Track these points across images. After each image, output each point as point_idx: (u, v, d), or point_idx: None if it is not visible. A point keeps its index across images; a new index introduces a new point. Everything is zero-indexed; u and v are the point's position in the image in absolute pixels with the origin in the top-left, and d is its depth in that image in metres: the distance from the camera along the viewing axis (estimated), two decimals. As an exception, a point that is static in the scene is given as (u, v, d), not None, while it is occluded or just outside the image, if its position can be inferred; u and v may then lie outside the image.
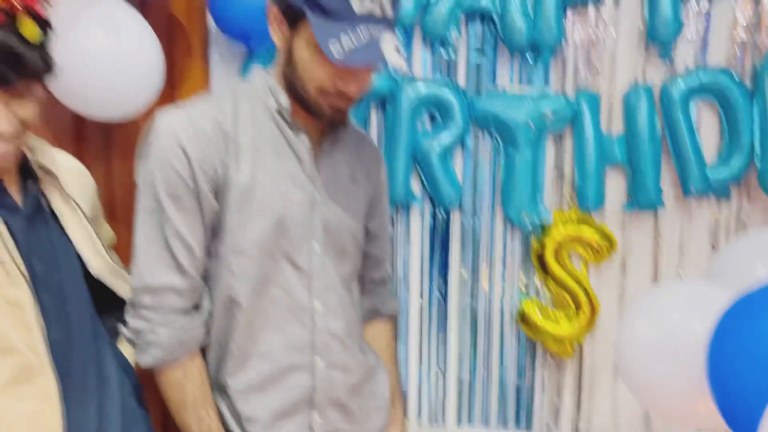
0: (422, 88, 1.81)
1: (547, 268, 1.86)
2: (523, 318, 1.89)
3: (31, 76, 0.97)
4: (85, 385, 1.08)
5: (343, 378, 1.24)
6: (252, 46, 1.80)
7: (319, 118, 1.17)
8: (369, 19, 1.05)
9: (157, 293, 1.12)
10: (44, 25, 1.00)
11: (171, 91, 1.84)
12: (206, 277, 1.19)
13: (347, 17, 1.04)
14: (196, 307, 1.17)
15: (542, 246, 1.86)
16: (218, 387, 1.20)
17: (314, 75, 1.10)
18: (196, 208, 1.13)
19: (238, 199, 1.14)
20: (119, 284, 1.21)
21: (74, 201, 1.17)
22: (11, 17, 0.93)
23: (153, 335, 1.11)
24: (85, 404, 1.07)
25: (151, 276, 1.12)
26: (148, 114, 1.66)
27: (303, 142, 1.19)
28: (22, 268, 1.01)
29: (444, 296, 1.94)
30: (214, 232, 1.16)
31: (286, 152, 1.18)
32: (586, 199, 1.82)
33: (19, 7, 0.94)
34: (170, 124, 1.12)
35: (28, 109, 1.01)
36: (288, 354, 1.19)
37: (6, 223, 1.02)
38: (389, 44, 1.06)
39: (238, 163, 1.15)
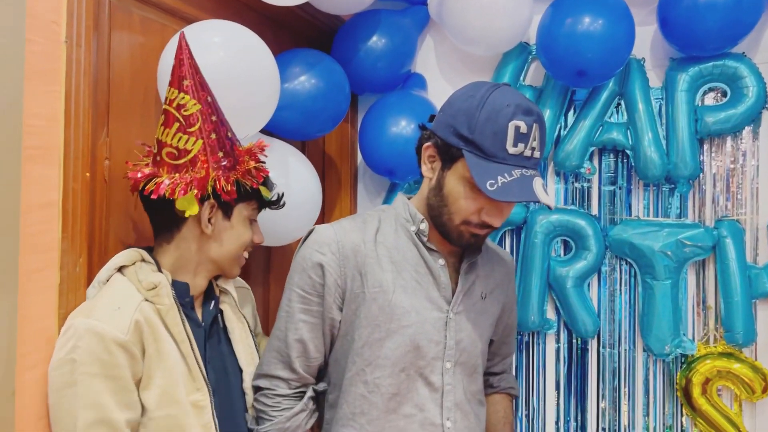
0: (556, 216, 1.87)
1: (693, 404, 1.76)
2: (669, 458, 1.77)
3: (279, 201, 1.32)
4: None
5: None
6: (395, 180, 1.98)
7: (456, 245, 1.27)
8: (521, 159, 1.17)
9: (270, 380, 1.28)
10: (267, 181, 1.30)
11: (322, 219, 2.05)
12: (336, 384, 1.28)
13: (502, 158, 1.16)
14: (302, 394, 1.29)
15: (688, 380, 1.77)
16: None
17: (463, 207, 1.20)
18: (320, 317, 1.25)
19: (376, 315, 1.23)
20: None
21: (244, 317, 1.33)
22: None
23: (264, 427, 1.26)
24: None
25: (268, 366, 1.28)
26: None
27: (439, 264, 1.28)
28: (205, 374, 1.16)
29: (582, 427, 1.88)
30: (347, 342, 1.26)
31: (424, 273, 1.28)
32: (734, 334, 1.73)
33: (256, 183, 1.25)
34: (317, 237, 1.27)
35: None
36: None
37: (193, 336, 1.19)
38: (539, 183, 1.17)
39: (377, 280, 1.25)
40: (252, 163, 1.24)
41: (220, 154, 1.17)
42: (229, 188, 1.16)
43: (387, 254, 1.27)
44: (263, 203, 1.28)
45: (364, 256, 1.25)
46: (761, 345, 1.74)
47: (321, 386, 1.31)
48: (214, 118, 1.17)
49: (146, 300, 1.10)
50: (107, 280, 1.12)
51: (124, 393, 1.04)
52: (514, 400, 1.59)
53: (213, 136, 1.16)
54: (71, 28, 1.12)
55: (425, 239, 1.28)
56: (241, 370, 1.30)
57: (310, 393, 1.29)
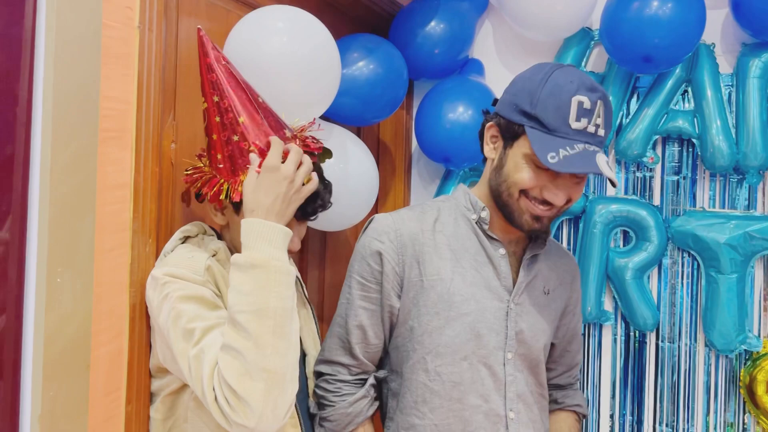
0: (616, 206, 1.83)
1: (757, 402, 1.70)
2: (730, 456, 1.72)
3: (320, 210, 1.23)
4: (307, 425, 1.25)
5: None
6: (451, 167, 1.97)
7: (519, 227, 1.23)
8: (584, 135, 1.15)
9: (332, 366, 1.29)
10: (320, 173, 1.23)
11: (376, 207, 2.05)
12: (398, 372, 1.29)
13: (564, 133, 1.14)
14: (363, 381, 1.30)
15: (752, 378, 1.71)
16: None
17: (520, 179, 1.18)
18: (379, 304, 1.27)
19: (434, 302, 1.24)
20: None
21: (310, 303, 1.35)
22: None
23: (325, 413, 1.27)
24: None
25: (330, 352, 1.30)
26: (356, 226, 1.86)
27: (500, 254, 1.27)
28: None
29: (638, 422, 1.84)
30: (407, 330, 1.26)
31: (484, 262, 1.27)
32: (804, 329, 1.67)
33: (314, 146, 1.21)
34: (376, 226, 1.28)
35: (303, 229, 1.25)
36: None
37: None
38: (602, 159, 1.14)
39: (436, 269, 1.25)
40: None
41: (219, 156, 1.16)
42: (213, 192, 1.14)
43: (446, 243, 1.27)
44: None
45: (421, 245, 1.26)
46: (833, 343, 1.68)
47: (381, 373, 1.32)
48: (217, 119, 1.15)
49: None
50: (172, 251, 1.15)
51: (213, 305, 1.08)
52: (582, 421, 1.49)
53: (214, 136, 1.16)
54: (143, 13, 1.14)
55: (486, 227, 1.27)
56: (305, 354, 1.32)
57: (371, 380, 1.30)
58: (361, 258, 1.28)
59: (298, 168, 1.10)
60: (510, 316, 1.26)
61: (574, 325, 1.43)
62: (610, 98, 1.83)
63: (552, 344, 1.39)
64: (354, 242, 2.09)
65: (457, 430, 1.23)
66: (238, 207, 1.16)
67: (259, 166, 1.10)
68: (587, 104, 1.14)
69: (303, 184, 1.12)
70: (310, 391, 1.31)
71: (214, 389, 0.98)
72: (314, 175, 1.16)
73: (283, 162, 1.09)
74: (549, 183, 1.18)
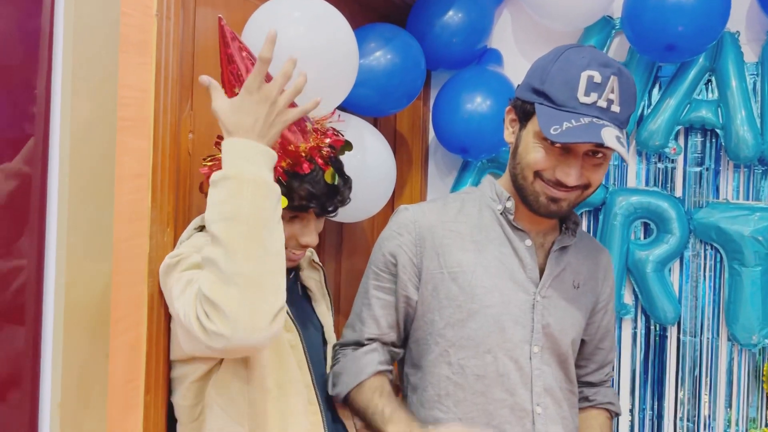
0: (637, 198, 1.80)
1: (782, 397, 1.68)
2: (752, 452, 1.70)
3: (339, 206, 1.20)
4: (329, 416, 1.23)
5: None
6: (469, 158, 1.95)
7: (536, 211, 1.20)
8: (594, 109, 1.11)
9: (346, 343, 1.31)
10: (340, 168, 1.21)
11: (393, 199, 2.04)
12: (419, 366, 1.27)
13: (572, 107, 1.11)
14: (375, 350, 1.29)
15: (776, 372, 1.68)
16: None
17: (532, 160, 1.16)
18: (393, 294, 1.26)
19: (456, 295, 1.22)
20: None
21: (329, 295, 1.35)
22: (321, 169, 1.15)
23: (336, 368, 1.28)
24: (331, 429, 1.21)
25: (343, 338, 1.31)
26: (372, 217, 1.85)
27: (526, 245, 1.24)
28: (293, 317, 1.18)
29: (658, 416, 1.82)
30: (427, 322, 1.25)
31: (509, 253, 1.24)
32: (831, 324, 1.64)
33: (325, 160, 1.17)
34: (396, 218, 1.29)
35: (321, 224, 1.23)
36: None
37: None
38: (610, 132, 1.10)
39: (457, 261, 1.23)
40: None
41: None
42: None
43: (469, 234, 1.25)
44: (298, 206, 1.15)
45: (441, 237, 1.25)
46: None
47: (391, 346, 1.31)
48: None
49: None
50: (188, 239, 1.15)
51: None
52: (614, 419, 1.45)
53: None
54: (161, 1, 1.14)
55: (511, 218, 1.25)
56: (325, 342, 1.32)
57: (386, 345, 1.31)
58: (379, 249, 1.29)
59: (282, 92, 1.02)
60: (536, 308, 1.23)
61: (607, 323, 1.38)
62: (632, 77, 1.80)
63: (583, 341, 1.35)
64: (371, 234, 2.08)
65: (481, 423, 1.20)
66: None
67: (224, 69, 1.04)
68: (598, 78, 1.11)
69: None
70: None
71: (196, 308, 0.95)
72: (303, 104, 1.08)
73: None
74: (561, 162, 1.14)
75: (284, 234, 1.13)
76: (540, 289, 1.24)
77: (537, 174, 1.17)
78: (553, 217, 1.24)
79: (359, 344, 1.29)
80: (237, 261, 0.94)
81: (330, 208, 1.18)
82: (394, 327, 1.28)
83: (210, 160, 1.19)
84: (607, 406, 1.41)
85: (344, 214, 1.59)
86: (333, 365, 1.30)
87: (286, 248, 1.17)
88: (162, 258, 1.16)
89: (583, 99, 1.11)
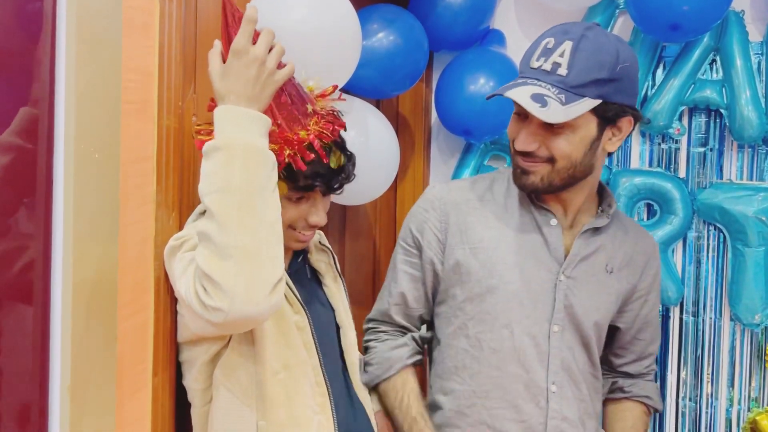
0: (640, 179, 1.80)
1: (784, 376, 1.69)
2: (753, 429, 1.71)
3: (345, 182, 1.20)
4: (343, 400, 1.22)
5: None
6: (472, 140, 1.94)
7: (515, 182, 1.24)
8: (537, 72, 1.14)
9: (376, 320, 1.36)
10: (343, 146, 1.20)
11: (394, 181, 2.03)
12: (439, 339, 1.30)
13: (522, 73, 1.18)
14: (405, 333, 1.34)
15: (778, 351, 1.69)
16: None
17: (508, 130, 1.22)
18: (420, 269, 1.30)
19: (476, 270, 1.24)
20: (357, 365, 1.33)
21: (341, 278, 1.34)
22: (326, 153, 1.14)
23: (368, 357, 1.32)
24: (343, 412, 1.20)
25: (376, 306, 1.37)
26: (375, 201, 1.85)
27: (551, 224, 1.25)
28: (300, 299, 1.18)
29: (661, 396, 1.83)
30: (450, 296, 1.28)
31: (533, 232, 1.25)
32: (833, 303, 1.64)
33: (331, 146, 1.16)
34: (425, 195, 1.34)
35: (327, 203, 1.22)
36: (521, 431, 1.22)
37: None
38: (528, 90, 1.12)
39: (479, 237, 1.25)
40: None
41: None
42: None
43: (493, 212, 1.27)
44: (304, 186, 1.14)
45: (465, 214, 1.28)
46: None
47: (424, 332, 1.36)
48: None
49: None
50: (194, 222, 1.15)
51: None
52: (651, 415, 1.42)
53: None
54: (163, -18, 1.13)
55: (536, 198, 1.26)
56: (338, 326, 1.30)
57: (413, 334, 1.35)
58: (406, 225, 1.34)
59: (270, 51, 1.01)
60: (559, 288, 1.23)
61: (647, 313, 1.36)
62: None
63: (618, 328, 1.33)
64: (374, 217, 2.08)
65: (495, 397, 1.22)
66: None
67: (226, 50, 1.01)
68: (551, 44, 1.14)
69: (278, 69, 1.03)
70: (348, 363, 1.28)
71: (195, 284, 0.95)
72: (290, 61, 1.06)
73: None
74: (518, 132, 1.18)
75: (292, 215, 1.13)
76: (564, 269, 1.23)
77: (513, 145, 1.21)
78: (528, 191, 1.24)
79: (388, 318, 1.34)
80: (231, 233, 0.92)
81: (335, 186, 1.18)
82: (420, 300, 1.32)
83: (203, 131, 1.14)
84: (643, 400, 1.38)
85: (347, 197, 1.59)
86: (365, 347, 1.35)
87: (294, 230, 1.17)
88: (167, 242, 1.16)
89: (533, 64, 1.16)
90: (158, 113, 1.14)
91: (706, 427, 1.77)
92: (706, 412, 1.78)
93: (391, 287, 1.33)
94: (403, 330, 1.35)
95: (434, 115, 2.06)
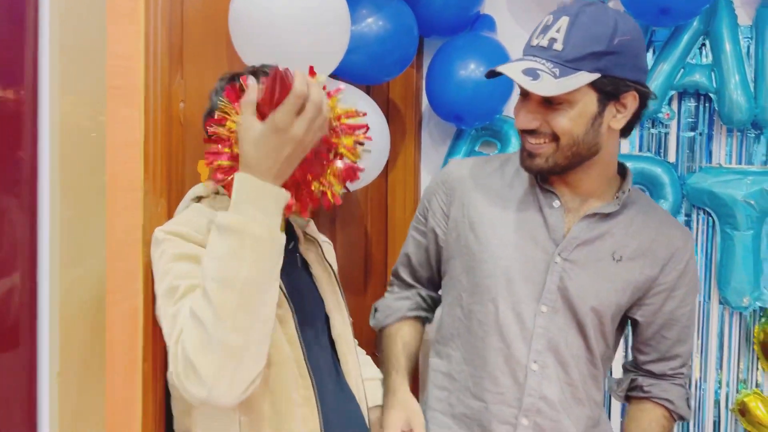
0: (630, 163, 1.79)
1: (772, 358, 1.70)
2: (742, 411, 1.73)
3: None
4: (331, 392, 1.21)
5: None
6: (463, 126, 1.94)
7: (521, 165, 1.23)
8: (535, 50, 1.15)
9: (393, 275, 1.48)
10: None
11: (385, 168, 2.03)
12: (443, 305, 1.37)
13: (524, 52, 1.18)
14: (412, 288, 1.44)
15: (766, 334, 1.71)
16: None
17: (514, 112, 1.22)
18: (424, 235, 1.39)
19: (472, 243, 1.28)
20: (352, 355, 1.31)
21: (331, 268, 1.33)
22: None
23: (376, 304, 1.45)
24: (330, 404, 1.18)
25: (394, 268, 1.48)
26: (366, 187, 1.85)
27: (553, 206, 1.25)
28: (285, 290, 1.15)
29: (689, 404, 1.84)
30: (451, 267, 1.33)
31: (534, 213, 1.25)
32: (820, 285, 1.66)
33: None
34: (442, 170, 1.41)
35: None
36: (497, 404, 1.23)
37: None
38: (521, 65, 1.12)
39: (479, 212, 1.29)
40: None
41: None
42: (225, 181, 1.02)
43: (498, 190, 1.30)
44: None
45: (470, 189, 1.32)
46: None
47: (431, 292, 1.44)
48: None
49: None
50: (184, 210, 1.14)
51: None
52: (673, 420, 1.33)
53: None
54: (148, -32, 1.12)
55: (541, 180, 1.26)
56: (327, 316, 1.29)
57: (420, 290, 1.44)
58: (422, 197, 1.42)
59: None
60: (553, 269, 1.22)
61: (672, 310, 1.28)
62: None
63: (637, 321, 1.29)
64: (365, 204, 2.08)
65: (478, 366, 1.25)
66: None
67: (266, 107, 0.94)
68: (549, 21, 1.14)
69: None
70: (339, 354, 1.27)
71: (177, 361, 0.95)
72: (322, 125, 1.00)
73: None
74: (517, 109, 1.20)
75: None
76: (561, 251, 1.22)
77: (516, 125, 1.22)
78: (534, 172, 1.23)
79: (397, 275, 1.46)
80: (224, 329, 0.92)
81: None
82: (424, 265, 1.41)
83: (219, 119, 1.04)
84: (664, 403, 1.31)
85: (339, 183, 1.58)
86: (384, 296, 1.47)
87: None
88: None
89: (532, 42, 1.16)
90: (145, 99, 1.13)
91: (695, 409, 1.79)
92: (696, 395, 1.79)
93: (403, 250, 1.44)
94: (411, 287, 1.44)
95: (425, 101, 2.06)
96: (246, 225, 0.93)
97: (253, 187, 0.94)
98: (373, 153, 1.67)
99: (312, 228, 1.36)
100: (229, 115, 1.00)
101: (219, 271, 0.93)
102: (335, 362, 1.26)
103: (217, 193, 1.20)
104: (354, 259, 2.02)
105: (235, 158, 1.00)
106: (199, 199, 1.18)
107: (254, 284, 0.94)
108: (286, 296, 1.16)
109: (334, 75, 1.64)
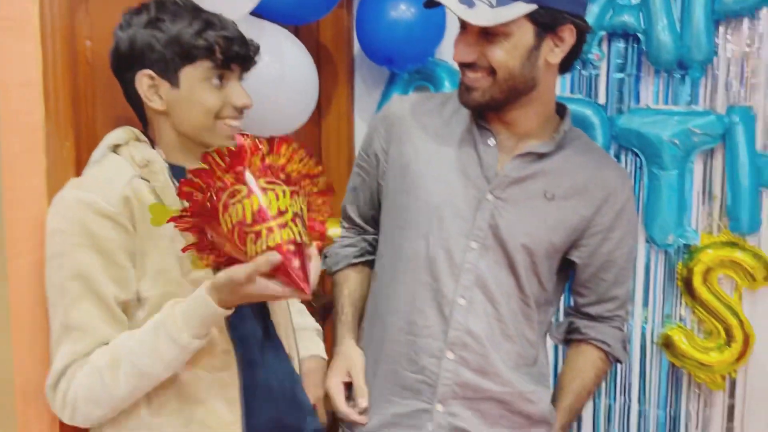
0: (561, 107, 1.80)
1: (694, 293, 1.77)
2: (667, 344, 1.80)
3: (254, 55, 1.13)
4: (255, 355, 1.16)
5: (475, 379, 1.23)
6: (394, 69, 1.90)
7: (460, 99, 1.21)
8: None
9: (342, 215, 1.44)
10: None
11: (318, 113, 1.97)
12: (381, 240, 1.35)
13: None
14: (360, 232, 1.41)
15: (689, 270, 1.77)
16: None
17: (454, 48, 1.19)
18: (367, 175, 1.36)
19: (405, 180, 1.26)
20: (280, 306, 1.27)
21: None
22: None
23: (326, 250, 1.42)
24: (256, 370, 1.15)
25: (342, 204, 1.44)
26: (296, 133, 1.79)
27: (488, 143, 1.23)
28: None
29: (625, 346, 1.89)
30: (387, 202, 1.32)
31: (468, 150, 1.24)
32: (740, 222, 1.72)
33: None
34: (385, 106, 1.37)
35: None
36: (424, 337, 1.23)
37: None
38: None
39: (415, 149, 1.27)
40: None
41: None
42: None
43: (435, 128, 1.27)
44: (223, 60, 1.07)
45: (408, 127, 1.29)
46: (765, 233, 1.73)
47: (372, 237, 1.41)
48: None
49: (141, 178, 1.04)
50: (98, 162, 1.06)
51: (115, 268, 0.99)
52: (609, 363, 1.35)
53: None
54: None
55: (478, 117, 1.24)
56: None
57: (367, 236, 1.41)
58: (366, 133, 1.38)
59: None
60: (483, 206, 1.21)
61: (609, 252, 1.28)
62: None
63: (574, 263, 1.29)
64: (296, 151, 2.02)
65: (408, 301, 1.25)
66: (173, 77, 1.05)
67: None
68: None
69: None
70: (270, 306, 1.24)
71: (59, 381, 1.00)
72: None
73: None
74: (456, 44, 1.17)
75: (215, 103, 1.07)
76: (493, 189, 1.22)
77: (455, 59, 1.19)
78: (472, 107, 1.22)
79: (345, 213, 1.43)
80: (114, 396, 1.00)
81: (250, 54, 1.11)
82: (368, 203, 1.38)
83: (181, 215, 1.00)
84: (599, 344, 1.33)
85: (263, 128, 1.52)
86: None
87: (220, 119, 1.09)
88: (63, 175, 1.08)
89: None
90: (41, 33, 1.04)
91: (622, 345, 1.85)
92: (623, 331, 1.85)
93: (349, 184, 1.42)
94: (359, 229, 1.42)
95: (358, 44, 2.00)
96: (180, 338, 0.99)
97: (210, 310, 0.99)
98: (301, 98, 1.61)
99: None
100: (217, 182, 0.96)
101: (136, 362, 0.99)
102: (266, 316, 1.22)
103: (136, 139, 1.11)
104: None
105: (216, 248, 1.00)
106: (116, 147, 1.09)
107: (160, 375, 1.02)
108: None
109: (259, 15, 1.55)
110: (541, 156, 1.24)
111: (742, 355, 1.72)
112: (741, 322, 1.72)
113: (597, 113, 1.80)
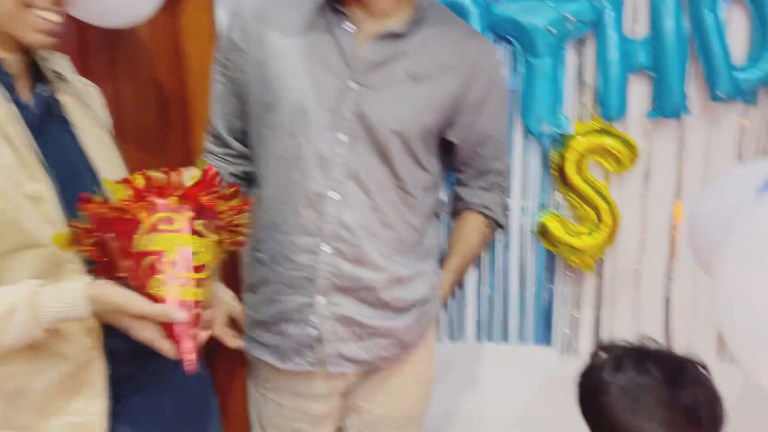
0: (436, -6, 1.72)
1: (567, 180, 1.82)
2: (542, 232, 1.86)
3: None
4: None
5: (352, 269, 1.24)
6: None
7: None
8: None
9: (209, 134, 1.39)
10: None
11: (172, 7, 1.76)
12: (252, 141, 1.31)
13: None
14: (228, 159, 1.36)
15: (562, 158, 1.81)
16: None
17: None
18: (230, 82, 1.29)
19: (268, 78, 1.21)
20: None
21: (91, 108, 1.13)
22: None
23: None
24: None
25: (208, 123, 1.37)
26: (150, 25, 1.59)
27: (346, 29, 1.18)
28: (42, 160, 0.97)
29: (506, 211, 1.90)
30: (251, 105, 1.26)
31: (327, 39, 1.19)
32: (608, 108, 1.76)
33: None
34: (236, 2, 1.29)
35: None
36: (299, 235, 1.23)
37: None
38: None
39: (275, 46, 1.20)
40: None
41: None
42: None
43: (292, 20, 1.20)
44: None
45: (266, 22, 1.21)
46: (631, 119, 1.79)
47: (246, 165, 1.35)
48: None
49: None
50: None
51: None
52: (492, 228, 1.46)
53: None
54: None
55: (336, 1, 1.17)
56: (95, 173, 1.11)
57: (231, 168, 1.35)
58: (222, 35, 1.32)
59: None
60: (348, 95, 1.18)
61: (485, 127, 1.33)
62: None
63: (453, 143, 1.31)
64: (153, 49, 1.81)
65: (282, 202, 1.23)
66: None
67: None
68: None
69: None
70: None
71: None
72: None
73: None
74: None
75: None
76: (355, 76, 1.18)
77: None
78: None
79: (215, 132, 1.36)
80: None
81: None
82: (236, 114, 1.31)
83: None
84: (482, 210, 1.41)
85: (104, 16, 1.33)
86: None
87: (29, 7, 0.94)
88: None
89: None
90: None
91: (502, 234, 1.89)
92: (502, 222, 1.89)
93: (212, 95, 1.34)
94: (227, 149, 1.35)
95: None
96: (38, 336, 0.92)
97: (78, 318, 0.93)
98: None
99: (61, 64, 1.12)
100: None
101: None
102: None
103: None
104: (148, 111, 1.79)
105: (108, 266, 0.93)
106: None
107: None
108: (44, 165, 0.97)
109: None
110: (400, 37, 1.20)
111: (610, 237, 1.81)
112: (609, 205, 1.80)
113: (473, 1, 1.73)
